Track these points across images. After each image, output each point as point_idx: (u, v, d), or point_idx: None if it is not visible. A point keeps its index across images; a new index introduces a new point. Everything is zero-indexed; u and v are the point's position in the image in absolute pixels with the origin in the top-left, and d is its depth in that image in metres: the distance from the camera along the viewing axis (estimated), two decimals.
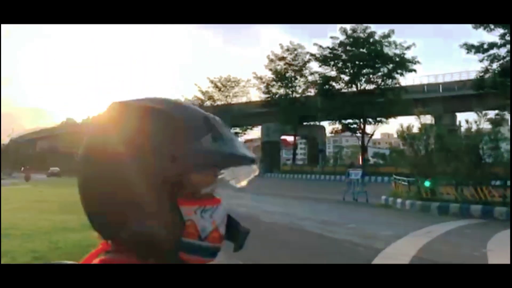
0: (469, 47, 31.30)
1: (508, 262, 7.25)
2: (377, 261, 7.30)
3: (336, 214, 14.24)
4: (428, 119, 16.49)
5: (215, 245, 0.76)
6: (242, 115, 57.07)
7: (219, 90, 60.89)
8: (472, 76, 36.77)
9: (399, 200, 15.81)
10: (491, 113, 15.19)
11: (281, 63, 51.92)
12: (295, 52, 51.15)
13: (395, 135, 20.78)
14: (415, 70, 42.13)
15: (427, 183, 11.03)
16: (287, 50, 51.68)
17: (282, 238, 9.65)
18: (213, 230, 0.75)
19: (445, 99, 46.01)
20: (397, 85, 43.38)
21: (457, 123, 37.92)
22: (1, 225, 8.07)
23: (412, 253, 7.79)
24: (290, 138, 63.41)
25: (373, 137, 53.59)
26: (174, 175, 0.70)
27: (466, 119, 15.44)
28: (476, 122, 13.89)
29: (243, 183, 0.80)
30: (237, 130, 63.06)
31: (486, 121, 13.86)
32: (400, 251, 8.11)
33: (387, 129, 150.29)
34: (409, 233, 9.88)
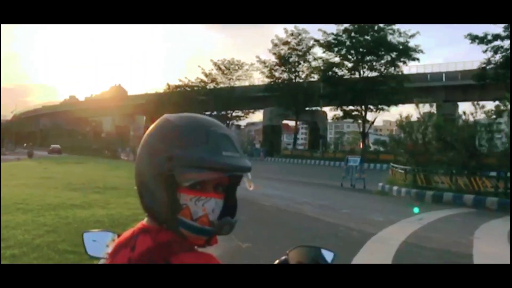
0: (473, 38, 31.33)
1: (493, 250, 7.69)
2: (368, 244, 7.70)
3: (333, 199, 14.65)
4: (428, 108, 16.69)
5: (204, 227, 0.97)
6: (245, 99, 57.23)
7: (223, 72, 60.94)
8: (476, 66, 36.83)
9: (395, 188, 16.20)
10: (492, 104, 15.36)
11: (285, 47, 51.83)
12: (299, 37, 50.98)
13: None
14: (418, 59, 42.10)
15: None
16: (292, 34, 51.51)
17: (279, 220, 10.05)
18: (203, 215, 0.97)
19: (447, 88, 46.03)
20: (400, 73, 43.39)
21: (459, 112, 38.07)
22: (13, 199, 8.48)
23: (402, 238, 8.16)
24: (291, 123, 63.62)
25: (375, 124, 53.79)
26: (167, 170, 0.94)
27: (463, 110, 15.72)
28: (472, 113, 14.18)
29: (251, 187, 1.05)
30: (239, 113, 63.20)
31: (482, 112, 14.17)
32: (390, 236, 8.50)
33: (389, 117, 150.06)
34: (400, 220, 10.26)
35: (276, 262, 1.35)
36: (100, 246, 1.37)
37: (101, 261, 1.33)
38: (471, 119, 14.50)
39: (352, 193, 16.92)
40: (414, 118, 16.98)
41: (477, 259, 6.82)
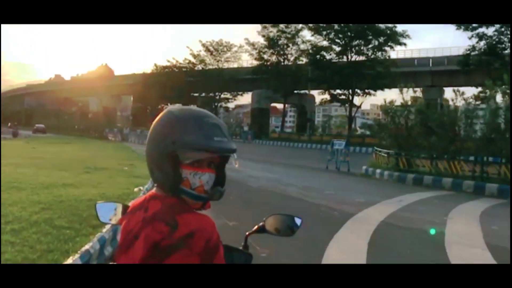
0: (459, 24, 31.63)
1: (464, 229, 8.18)
2: (348, 223, 8.11)
3: (318, 182, 15.11)
4: (412, 93, 17.01)
5: (200, 194, 1.29)
6: (233, 81, 57.10)
7: (211, 54, 60.57)
8: (462, 52, 37.28)
9: (378, 171, 16.71)
10: (475, 90, 15.80)
11: (274, 30, 51.69)
12: None
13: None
14: (405, 44, 42.54)
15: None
16: None
17: (265, 200, 10.41)
18: (199, 186, 1.28)
19: (434, 73, 46.58)
20: (387, 58, 43.82)
21: (445, 97, 38.71)
22: (6, 178, 8.67)
23: (380, 218, 8.58)
24: (280, 106, 63.71)
25: (363, 108, 54.20)
26: (171, 151, 1.25)
27: (445, 97, 16.18)
28: (453, 100, 14.66)
29: (237, 165, 1.41)
30: (228, 95, 63.06)
31: (462, 99, 14.65)
32: (370, 216, 8.92)
33: (377, 101, 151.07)
34: (380, 201, 10.71)
35: (255, 228, 1.69)
36: (110, 214, 1.70)
37: (112, 222, 1.67)
38: (451, 104, 14.98)
39: (336, 176, 17.41)
40: (398, 103, 17.43)
41: (449, 238, 7.26)
